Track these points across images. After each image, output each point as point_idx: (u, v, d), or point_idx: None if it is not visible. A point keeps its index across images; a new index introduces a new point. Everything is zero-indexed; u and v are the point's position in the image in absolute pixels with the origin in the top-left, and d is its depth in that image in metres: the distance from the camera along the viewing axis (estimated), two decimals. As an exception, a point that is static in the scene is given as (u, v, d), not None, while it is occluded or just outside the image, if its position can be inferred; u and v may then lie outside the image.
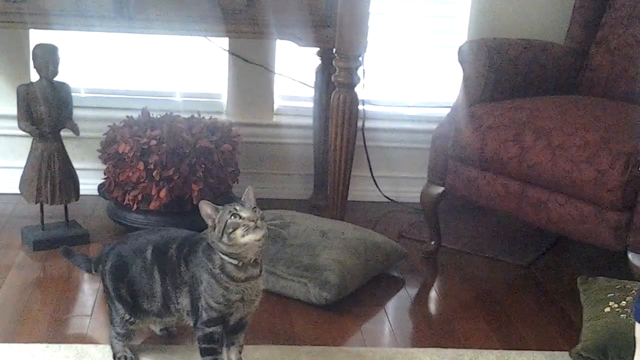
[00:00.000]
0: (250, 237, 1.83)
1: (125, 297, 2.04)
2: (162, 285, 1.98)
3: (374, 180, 3.51)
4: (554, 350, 2.30)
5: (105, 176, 3.01)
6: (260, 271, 1.94)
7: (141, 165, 2.84)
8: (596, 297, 2.33)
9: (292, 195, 3.49)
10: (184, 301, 1.97)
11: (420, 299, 2.73)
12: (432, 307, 2.69)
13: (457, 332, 2.43)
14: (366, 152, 3.47)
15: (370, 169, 3.50)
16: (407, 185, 3.48)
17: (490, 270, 2.92)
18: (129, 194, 2.90)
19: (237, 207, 1.84)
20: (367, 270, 2.66)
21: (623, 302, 2.25)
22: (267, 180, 3.49)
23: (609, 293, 2.31)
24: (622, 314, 2.21)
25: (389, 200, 3.53)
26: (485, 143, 2.68)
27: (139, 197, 2.89)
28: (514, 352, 2.29)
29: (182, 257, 1.96)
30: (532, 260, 3.00)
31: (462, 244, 3.11)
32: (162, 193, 2.86)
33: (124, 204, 2.93)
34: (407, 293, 2.73)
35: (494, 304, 2.64)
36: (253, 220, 1.83)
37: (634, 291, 2.29)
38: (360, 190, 3.47)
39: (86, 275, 2.67)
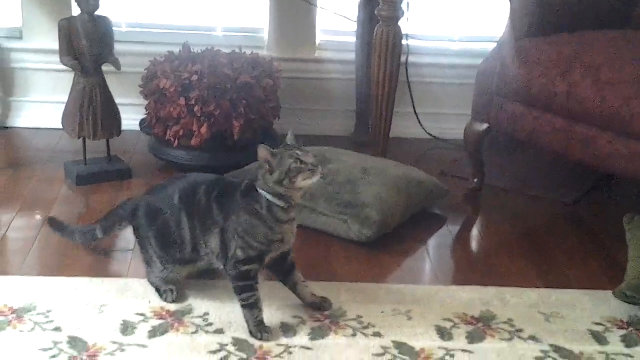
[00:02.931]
0: (310, 182, 1.89)
1: (156, 247, 2.07)
2: (191, 229, 2.00)
3: (417, 117, 3.47)
4: (597, 289, 2.27)
5: (147, 112, 3.01)
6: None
7: (182, 101, 2.84)
8: (637, 234, 2.28)
9: (333, 131, 3.46)
10: (213, 243, 1.99)
11: (462, 237, 2.71)
12: (474, 245, 2.67)
13: (498, 270, 2.41)
14: (409, 88, 3.42)
15: (414, 105, 3.45)
16: (451, 122, 3.42)
17: (534, 208, 2.88)
18: (170, 129, 2.90)
19: (299, 152, 1.89)
20: (409, 208, 2.63)
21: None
22: (308, 117, 3.47)
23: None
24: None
25: (432, 138, 3.48)
26: (532, 79, 2.62)
27: (180, 132, 2.89)
28: (556, 291, 2.26)
29: (213, 199, 1.98)
30: (577, 198, 2.94)
31: (506, 182, 3.06)
32: (204, 129, 2.85)
33: (166, 139, 2.93)
34: (449, 231, 2.71)
35: (537, 242, 2.61)
36: (316, 166, 1.88)
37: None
38: (403, 127, 3.43)
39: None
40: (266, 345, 1.93)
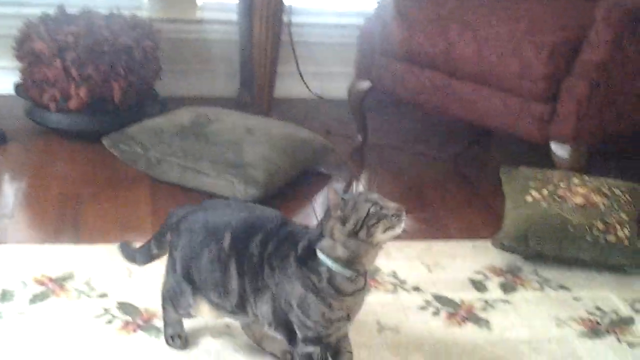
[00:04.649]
0: (393, 233, 1.47)
1: (194, 280, 1.65)
2: (240, 284, 1.58)
3: (301, 77, 3.47)
4: (477, 239, 2.34)
5: (22, 75, 2.89)
6: (366, 281, 1.56)
7: (58, 63, 2.74)
8: (518, 187, 2.36)
9: (217, 93, 3.42)
10: (264, 308, 1.57)
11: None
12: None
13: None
14: (292, 47, 3.41)
15: (297, 65, 3.45)
16: (335, 81, 3.44)
17: (417, 165, 2.94)
18: (46, 93, 2.80)
19: (375, 196, 1.49)
20: (294, 167, 2.64)
21: (544, 190, 2.29)
22: (191, 78, 3.42)
23: (530, 182, 2.35)
24: (543, 202, 2.25)
25: (316, 97, 3.50)
26: (412, 37, 2.66)
27: (58, 96, 2.79)
28: (439, 242, 2.32)
29: (266, 258, 1.55)
30: (457, 153, 3.02)
31: (389, 139, 3.11)
32: (82, 92, 2.77)
33: (42, 103, 2.83)
34: (335, 189, 2.73)
35: (420, 198, 2.67)
36: (400, 212, 1.47)
37: (555, 180, 2.33)
38: (287, 86, 3.43)
39: (6, 175, 2.60)
40: (152, 307, 1.90)
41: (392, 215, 1.45)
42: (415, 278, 2.11)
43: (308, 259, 1.50)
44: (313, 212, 2.53)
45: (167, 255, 1.70)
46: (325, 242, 1.48)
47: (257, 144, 2.58)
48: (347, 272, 1.48)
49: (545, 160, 2.47)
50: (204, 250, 1.61)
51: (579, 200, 2.26)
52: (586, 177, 2.36)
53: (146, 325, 1.84)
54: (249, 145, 2.57)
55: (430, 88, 2.67)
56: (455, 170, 2.91)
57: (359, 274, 1.50)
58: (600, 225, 2.18)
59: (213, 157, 2.52)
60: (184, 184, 2.55)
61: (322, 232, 1.49)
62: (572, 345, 1.87)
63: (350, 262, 1.48)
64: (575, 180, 2.33)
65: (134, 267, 1.96)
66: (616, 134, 2.66)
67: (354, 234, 1.46)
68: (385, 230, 1.46)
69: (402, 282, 2.09)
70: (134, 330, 1.82)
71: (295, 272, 1.51)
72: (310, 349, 1.54)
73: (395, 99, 3.01)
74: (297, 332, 1.54)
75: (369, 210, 1.45)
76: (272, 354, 1.76)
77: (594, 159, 2.53)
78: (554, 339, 1.89)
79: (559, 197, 2.27)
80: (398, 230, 1.46)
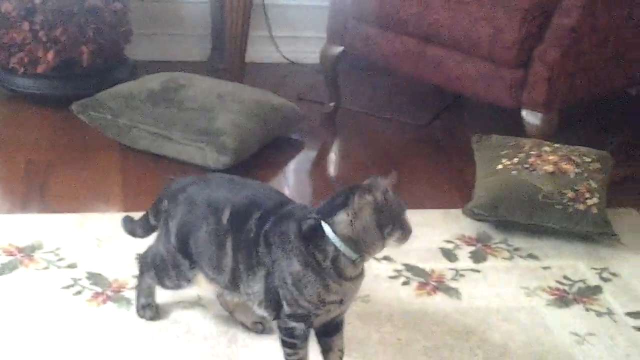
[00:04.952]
0: (399, 245, 1.50)
1: (190, 253, 1.63)
2: (233, 261, 1.56)
3: (274, 41, 3.43)
4: (448, 208, 2.35)
5: (-13, 38, 2.84)
6: (364, 269, 1.54)
7: (26, 26, 2.69)
8: (489, 155, 2.37)
9: (188, 57, 3.38)
10: (256, 287, 1.54)
11: (320, 161, 2.73)
12: (331, 168, 2.70)
13: (355, 192, 2.44)
14: (264, 11, 3.37)
15: (270, 29, 3.41)
16: (307, 46, 3.41)
17: (389, 131, 2.93)
18: (14, 56, 2.75)
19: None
20: (266, 134, 2.62)
21: (515, 158, 2.29)
22: (162, 42, 3.37)
23: (502, 150, 2.35)
24: (513, 170, 2.26)
25: (289, 62, 3.46)
26: (385, 1, 2.63)
27: (25, 60, 2.74)
28: (410, 211, 2.31)
29: (263, 234, 1.52)
30: (429, 120, 3.02)
31: (361, 105, 3.10)
32: (50, 55, 2.72)
33: (10, 67, 2.78)
34: (306, 155, 2.72)
35: (392, 164, 2.66)
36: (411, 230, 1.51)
37: (526, 148, 2.34)
38: (259, 51, 3.39)
39: None
40: (121, 278, 1.89)
41: (408, 231, 1.48)
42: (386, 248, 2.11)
43: (314, 236, 1.47)
44: (284, 179, 2.52)
45: (160, 223, 1.68)
46: (343, 216, 1.45)
47: (228, 111, 2.55)
48: (354, 255, 1.46)
49: (518, 128, 2.47)
50: (202, 224, 1.58)
51: (549, 168, 2.27)
52: (557, 145, 2.37)
53: (116, 296, 1.84)
54: (221, 111, 2.54)
55: (403, 53, 2.66)
56: (427, 137, 2.91)
57: (362, 260, 1.48)
58: (570, 194, 2.19)
59: (184, 124, 2.49)
60: (155, 151, 2.52)
61: (347, 202, 1.45)
62: (540, 314, 1.89)
63: (358, 246, 1.45)
64: (546, 148, 2.34)
65: (103, 237, 1.94)
66: (586, 101, 2.67)
67: (379, 225, 1.44)
68: (398, 239, 1.47)
69: (374, 251, 2.09)
70: (104, 302, 1.82)
71: (295, 249, 1.48)
72: (294, 324, 1.52)
73: (369, 64, 2.99)
74: (286, 307, 1.51)
75: (402, 213, 1.47)
76: (243, 324, 1.76)
77: (565, 127, 2.53)
78: (523, 308, 1.91)
79: (530, 165, 2.27)
80: (401, 245, 1.49)
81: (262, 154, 2.60)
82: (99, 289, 1.85)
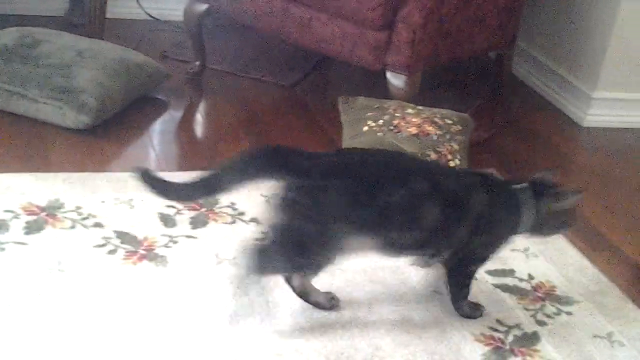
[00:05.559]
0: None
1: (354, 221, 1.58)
2: (439, 223, 1.62)
3: (136, -3, 3.33)
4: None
5: None
6: None
7: None
8: (355, 117, 2.39)
9: (45, 11, 3.23)
10: (449, 241, 1.67)
11: (185, 122, 2.68)
12: (197, 129, 2.65)
13: (222, 153, 2.42)
14: (126, -35, 3.26)
15: (131, -16, 3.30)
16: (171, 3, 3.32)
17: (256, 91, 2.91)
18: None
19: None
20: (129, 93, 2.54)
21: (380, 120, 2.32)
22: (15, -6, 3.20)
23: (367, 112, 2.38)
24: (379, 132, 2.29)
25: (152, 19, 3.37)
26: (250, -41, 2.60)
27: None
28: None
29: (485, 203, 1.67)
30: (296, 81, 3.01)
31: (227, 65, 3.05)
32: None
33: None
34: (172, 116, 2.66)
35: (259, 125, 2.65)
36: None
37: (390, 110, 2.37)
38: (121, 7, 3.28)
39: None
40: (150, 236, 1.90)
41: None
42: (254, 210, 2.10)
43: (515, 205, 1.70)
44: (150, 141, 2.46)
45: (298, 205, 1.54)
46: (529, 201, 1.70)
47: (88, 68, 2.45)
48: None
49: (384, 89, 2.50)
50: (391, 192, 1.58)
51: (413, 130, 2.31)
52: (420, 107, 2.41)
53: (149, 254, 1.83)
54: (80, 69, 2.44)
55: (268, 11, 2.63)
56: (295, 98, 2.90)
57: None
58: (433, 155, 2.24)
59: (41, 81, 2.38)
60: (11, 110, 2.40)
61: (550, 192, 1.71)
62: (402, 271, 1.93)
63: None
64: (410, 110, 2.38)
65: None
66: (449, 63, 2.73)
67: (552, 212, 1.71)
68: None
69: (241, 214, 2.08)
70: (140, 260, 1.82)
71: (506, 219, 1.70)
72: (475, 268, 1.76)
73: (234, 23, 2.95)
74: (472, 259, 1.73)
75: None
76: (317, 303, 1.73)
77: (428, 89, 2.59)
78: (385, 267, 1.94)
79: (394, 126, 2.31)
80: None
81: (125, 114, 2.52)
82: (132, 247, 1.85)
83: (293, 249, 1.58)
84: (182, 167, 2.33)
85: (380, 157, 1.68)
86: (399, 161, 1.68)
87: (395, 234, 1.62)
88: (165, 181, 1.60)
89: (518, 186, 1.72)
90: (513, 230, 1.73)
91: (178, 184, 1.60)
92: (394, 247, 1.65)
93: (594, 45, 2.96)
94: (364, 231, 1.60)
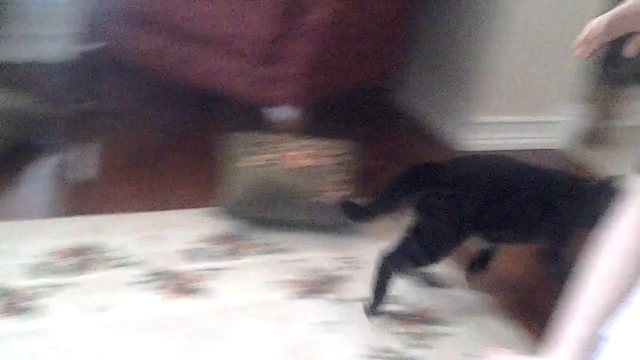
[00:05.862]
0: None
1: (475, 222, 1.90)
2: (544, 220, 1.95)
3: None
4: (198, 208, 2.32)
5: None
6: None
7: None
8: (236, 153, 2.36)
9: None
10: (547, 232, 2.00)
11: (71, 165, 2.59)
12: (77, 173, 2.56)
13: (114, 196, 2.35)
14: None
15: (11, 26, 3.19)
16: (54, 43, 3.22)
17: (139, 132, 2.80)
18: None
19: None
20: (9, 139, 2.46)
21: (265, 155, 2.29)
22: None
23: (248, 147, 2.34)
24: (263, 167, 2.26)
25: (32, 61, 3.23)
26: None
27: None
28: (158, 213, 2.28)
29: (574, 206, 1.96)
30: (184, 120, 2.95)
31: (115, 104, 2.97)
32: None
33: None
34: (55, 160, 2.58)
35: (146, 166, 2.56)
36: None
37: (274, 143, 2.35)
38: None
39: None
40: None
41: None
42: (140, 251, 2.06)
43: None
44: (20, 187, 2.36)
45: (431, 212, 1.86)
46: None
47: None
48: None
49: (270, 123, 2.46)
50: (513, 195, 1.89)
51: (298, 162, 2.30)
52: (306, 139, 2.40)
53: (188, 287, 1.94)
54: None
55: (150, 50, 2.59)
56: (179, 136, 2.82)
57: None
58: (317, 187, 2.24)
59: None
60: None
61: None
62: (285, 306, 1.93)
63: None
64: (294, 144, 2.37)
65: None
66: (338, 95, 2.73)
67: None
68: None
69: (128, 257, 2.04)
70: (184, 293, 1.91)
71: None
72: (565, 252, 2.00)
73: (124, 61, 2.89)
74: (558, 240, 1.99)
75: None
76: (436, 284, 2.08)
77: (317, 120, 2.57)
78: (267, 303, 1.94)
79: (277, 160, 2.30)
80: None
81: (6, 160, 2.42)
82: (174, 282, 1.94)
83: (425, 246, 1.88)
84: (67, 213, 2.25)
85: (498, 163, 1.98)
86: (518, 168, 1.97)
87: (512, 231, 1.95)
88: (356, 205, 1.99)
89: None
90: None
91: (362, 206, 1.96)
92: (504, 240, 2.01)
93: (472, 75, 3.02)
94: (489, 231, 1.93)
